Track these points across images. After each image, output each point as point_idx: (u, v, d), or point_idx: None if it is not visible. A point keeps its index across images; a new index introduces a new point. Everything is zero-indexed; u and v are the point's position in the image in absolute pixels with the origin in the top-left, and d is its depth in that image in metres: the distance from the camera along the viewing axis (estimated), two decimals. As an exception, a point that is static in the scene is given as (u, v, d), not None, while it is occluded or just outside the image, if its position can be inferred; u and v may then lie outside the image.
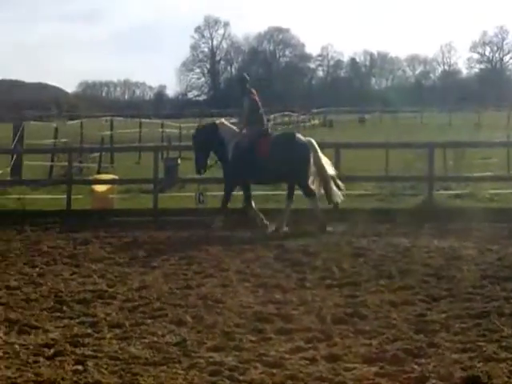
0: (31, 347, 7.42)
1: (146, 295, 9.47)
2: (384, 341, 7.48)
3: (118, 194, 18.24)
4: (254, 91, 14.91)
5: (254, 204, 14.66)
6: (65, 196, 16.73)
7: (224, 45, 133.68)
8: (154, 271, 10.98)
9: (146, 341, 7.58)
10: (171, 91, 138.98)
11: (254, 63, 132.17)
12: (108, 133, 30.77)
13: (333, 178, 14.53)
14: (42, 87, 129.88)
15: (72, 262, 11.73)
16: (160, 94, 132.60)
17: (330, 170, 14.58)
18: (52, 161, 23.55)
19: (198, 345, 7.42)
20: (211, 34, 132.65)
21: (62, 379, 6.45)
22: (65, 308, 8.90)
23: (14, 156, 20.82)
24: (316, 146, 14.51)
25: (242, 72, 16.09)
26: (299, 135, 15.01)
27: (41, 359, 7.04)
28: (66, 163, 18.41)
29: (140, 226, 14.80)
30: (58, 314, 8.67)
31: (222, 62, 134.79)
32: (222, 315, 8.48)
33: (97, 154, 24.70)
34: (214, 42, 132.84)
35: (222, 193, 15.04)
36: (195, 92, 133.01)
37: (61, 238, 13.86)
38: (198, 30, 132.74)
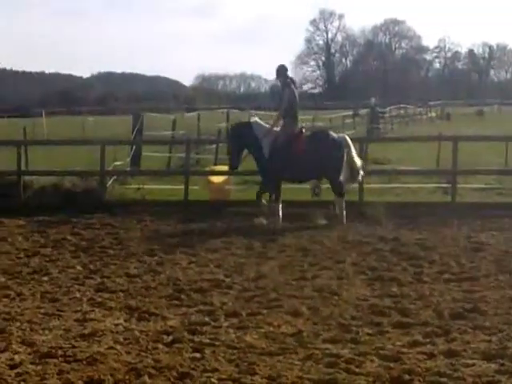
0: (150, 334, 7.57)
1: (262, 285, 9.54)
2: (504, 337, 7.29)
3: (235, 185, 18.39)
4: (294, 82, 14.93)
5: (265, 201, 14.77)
6: (182, 186, 17.00)
7: (339, 37, 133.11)
8: (269, 262, 11.03)
9: (263, 331, 7.62)
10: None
11: (369, 55, 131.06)
12: (224, 124, 31.05)
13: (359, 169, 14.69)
14: (160, 80, 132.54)
15: (189, 251, 11.91)
16: (275, 87, 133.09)
17: (359, 163, 14.76)
18: (170, 152, 23.97)
19: (314, 336, 7.41)
20: (326, 27, 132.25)
21: (180, 366, 6.56)
22: (183, 296, 9.05)
23: (134, 147, 21.27)
24: (350, 143, 14.60)
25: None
26: (332, 132, 15.06)
27: (160, 346, 7.18)
28: (184, 154, 18.68)
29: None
30: (176, 302, 8.82)
31: (336, 55, 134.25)
32: (337, 307, 8.45)
33: (213, 146, 24.92)
34: (329, 35, 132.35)
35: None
36: (310, 85, 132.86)
37: (179, 227, 14.10)
38: (313, 22, 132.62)
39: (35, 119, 43.60)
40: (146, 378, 6.27)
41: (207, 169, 19.97)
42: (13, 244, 12.60)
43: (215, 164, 22.42)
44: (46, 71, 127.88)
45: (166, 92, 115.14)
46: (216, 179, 17.24)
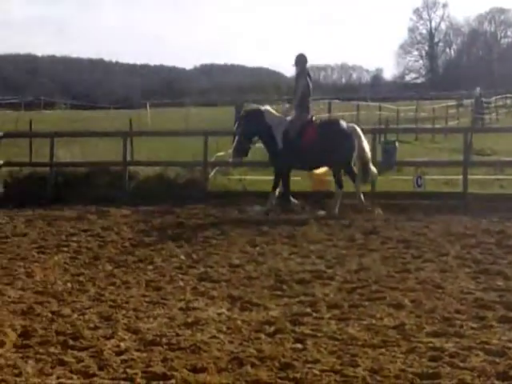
0: (253, 324, 7.62)
1: (363, 277, 9.48)
2: None
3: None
4: (310, 75, 14.87)
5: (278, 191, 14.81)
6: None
7: (443, 26, 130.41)
8: (371, 254, 10.96)
9: (365, 323, 7.57)
10: (388, 74, 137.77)
11: (473, 45, 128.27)
12: (326, 115, 30.92)
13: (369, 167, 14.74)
14: (262, 71, 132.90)
15: (291, 242, 11.95)
16: (377, 77, 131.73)
17: (369, 153, 14.82)
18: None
19: (417, 329, 7.32)
20: (430, 16, 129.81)
21: (283, 356, 6.58)
22: (284, 287, 9.08)
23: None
24: (360, 133, 14.63)
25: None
26: (343, 122, 14.97)
27: (262, 336, 7.22)
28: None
29: (356, 210, 14.80)
30: (278, 293, 8.85)
31: (440, 44, 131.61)
32: (441, 300, 8.33)
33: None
34: (433, 24, 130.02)
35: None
36: (413, 75, 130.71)
37: (280, 218, 14.14)
38: (416, 11, 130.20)
39: (140, 111, 44.37)
40: (248, 367, 6.32)
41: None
42: (118, 233, 12.88)
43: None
44: (151, 63, 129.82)
45: (268, 83, 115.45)
46: (318, 170, 17.19)
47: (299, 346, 6.90)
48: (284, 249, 11.41)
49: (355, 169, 14.67)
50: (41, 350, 6.76)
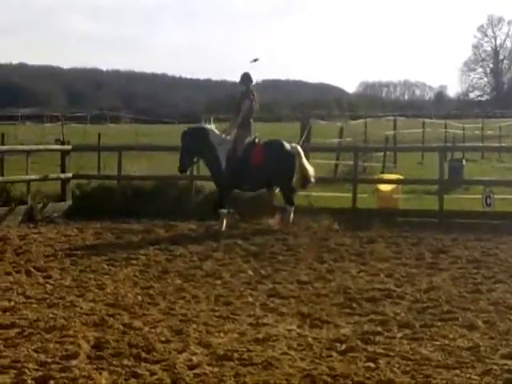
0: (323, 341, 7.58)
1: (434, 297, 9.36)
2: None
3: (403, 194, 18.17)
4: (254, 94, 14.76)
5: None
6: (349, 194, 16.97)
7: (508, 44, 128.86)
8: (441, 273, 10.83)
9: (437, 343, 7.47)
10: (452, 91, 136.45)
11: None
12: (391, 132, 30.80)
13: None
14: (324, 87, 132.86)
15: (359, 259, 11.88)
16: (440, 94, 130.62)
17: (311, 171, 15.23)
18: (337, 159, 23.98)
19: (492, 351, 7.19)
20: (494, 33, 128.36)
21: (355, 375, 6.52)
22: (354, 305, 9.02)
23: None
24: (301, 152, 15.02)
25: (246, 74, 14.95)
26: (285, 142, 15.11)
27: (333, 353, 7.17)
28: (351, 162, 18.65)
29: (425, 227, 14.68)
30: (348, 311, 8.80)
31: (505, 62, 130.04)
32: (515, 322, 8.18)
33: (380, 154, 24.79)
34: (498, 41, 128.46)
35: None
36: (477, 92, 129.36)
37: (347, 235, 14.09)
38: (480, 28, 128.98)
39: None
40: (321, 385, 6.28)
41: (375, 177, 19.85)
42: (186, 247, 12.96)
43: (382, 172, 22.26)
44: (213, 78, 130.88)
45: (329, 99, 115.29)
46: (384, 187, 17.11)
47: (371, 364, 6.84)
48: (352, 266, 11.35)
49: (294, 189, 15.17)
50: (114, 362, 6.81)
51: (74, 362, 6.78)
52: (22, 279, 10.41)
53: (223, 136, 14.85)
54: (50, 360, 6.84)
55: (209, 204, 16.72)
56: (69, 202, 17.38)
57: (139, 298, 9.38)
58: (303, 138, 21.92)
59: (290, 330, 7.96)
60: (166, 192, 17.23)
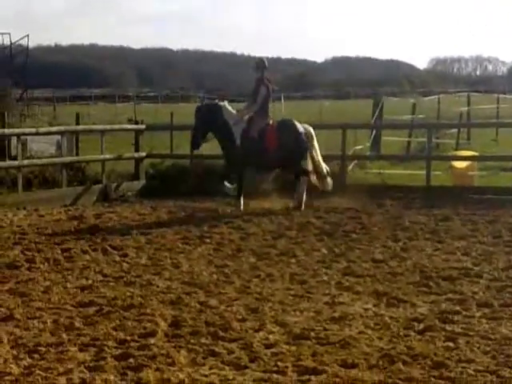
0: (401, 320, 7.49)
1: (513, 275, 9.19)
2: None
3: (478, 171, 17.88)
4: (270, 80, 14.62)
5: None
6: (422, 172, 16.77)
7: None
8: (519, 251, 10.62)
9: (518, 322, 7.33)
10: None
11: None
12: (465, 108, 30.26)
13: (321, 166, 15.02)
14: (394, 64, 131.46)
15: (434, 237, 11.73)
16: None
17: (320, 158, 15.06)
18: (409, 136, 23.70)
19: None
20: None
21: (435, 355, 6.43)
22: (431, 283, 8.90)
23: (374, 131, 21.24)
24: (313, 133, 14.88)
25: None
26: (297, 123, 14.95)
27: (411, 333, 7.08)
28: (423, 139, 18.42)
29: (501, 205, 14.42)
30: (425, 289, 8.68)
31: None
32: None
33: (454, 130, 24.40)
34: None
35: None
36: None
37: (421, 213, 13.93)
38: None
39: (273, 103, 44.59)
40: (400, 364, 6.20)
41: (449, 154, 19.56)
42: (259, 226, 12.97)
43: (456, 149, 21.92)
44: (282, 56, 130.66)
45: (400, 76, 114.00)
46: (459, 164, 16.85)
47: (451, 344, 6.73)
48: (427, 245, 11.21)
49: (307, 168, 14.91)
50: (192, 341, 6.85)
51: (152, 340, 6.84)
52: (98, 258, 10.56)
53: (240, 115, 14.74)
54: (128, 338, 6.92)
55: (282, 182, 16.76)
56: (142, 181, 17.58)
57: (214, 276, 9.43)
58: (376, 115, 21.73)
59: (366, 309, 7.90)
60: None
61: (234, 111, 14.86)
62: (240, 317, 7.61)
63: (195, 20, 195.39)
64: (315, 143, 15.00)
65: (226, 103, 15.10)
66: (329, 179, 15.17)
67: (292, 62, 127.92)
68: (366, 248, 11.04)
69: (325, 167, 15.14)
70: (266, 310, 7.83)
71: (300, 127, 14.88)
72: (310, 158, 14.91)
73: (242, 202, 14.57)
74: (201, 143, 15.08)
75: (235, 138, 14.52)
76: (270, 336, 6.99)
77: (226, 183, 14.69)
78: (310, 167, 14.93)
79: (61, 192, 15.97)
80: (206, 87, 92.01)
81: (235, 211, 14.43)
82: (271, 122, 14.81)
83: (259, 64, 14.79)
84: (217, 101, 15.56)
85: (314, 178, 15.06)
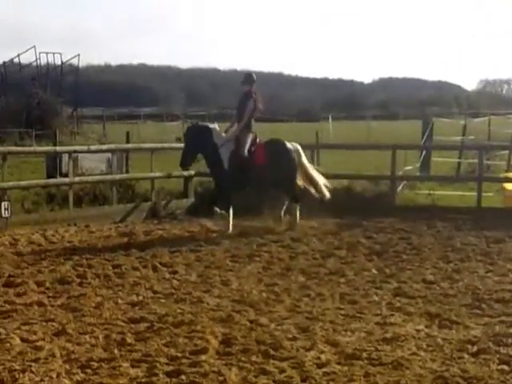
0: (454, 342, 7.38)
1: None
2: None
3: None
4: (257, 95, 14.33)
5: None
6: (472, 193, 16.61)
7: None
8: None
9: None
10: None
11: None
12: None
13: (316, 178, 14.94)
14: (442, 85, 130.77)
15: (486, 259, 11.58)
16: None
17: (314, 171, 15.04)
18: (459, 158, 23.48)
19: None
20: None
21: (489, 377, 6.34)
22: (483, 305, 8.77)
23: (424, 152, 21.09)
24: (301, 151, 14.81)
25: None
26: (286, 141, 14.83)
27: (465, 355, 6.97)
28: (473, 160, 18.25)
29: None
30: (477, 311, 8.56)
31: None
32: None
33: (504, 152, 24.10)
34: None
35: None
36: None
37: (472, 235, 13.76)
38: None
39: (321, 124, 44.60)
40: (454, 387, 6.13)
41: (501, 175, 19.34)
42: (308, 245, 12.94)
43: (507, 170, 21.66)
44: (330, 77, 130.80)
45: (449, 97, 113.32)
46: (511, 186, 16.64)
47: (505, 367, 6.62)
48: (479, 266, 11.07)
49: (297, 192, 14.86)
50: (243, 359, 6.83)
51: (203, 358, 6.83)
52: (148, 274, 10.60)
53: (225, 135, 14.53)
54: (180, 355, 6.92)
55: (330, 202, 16.71)
56: (191, 199, 17.64)
57: (264, 294, 9.40)
58: (426, 136, 21.60)
59: (418, 330, 7.81)
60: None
61: (223, 134, 14.63)
62: (291, 336, 7.57)
63: (242, 39, 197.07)
64: (304, 159, 14.96)
65: (215, 125, 15.02)
66: (325, 189, 15.07)
67: (339, 83, 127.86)
68: (417, 269, 10.94)
69: (322, 180, 15.11)
70: (317, 330, 7.77)
71: (289, 145, 14.82)
72: (304, 174, 14.87)
73: (230, 222, 14.37)
74: (190, 164, 15.01)
75: (223, 160, 14.32)
76: (322, 355, 6.94)
77: (216, 208, 14.49)
78: (301, 183, 14.88)
79: (111, 209, 16.11)
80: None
81: (224, 232, 14.22)
82: (258, 140, 14.65)
83: (248, 78, 14.56)
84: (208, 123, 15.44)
85: (312, 189, 15.01)
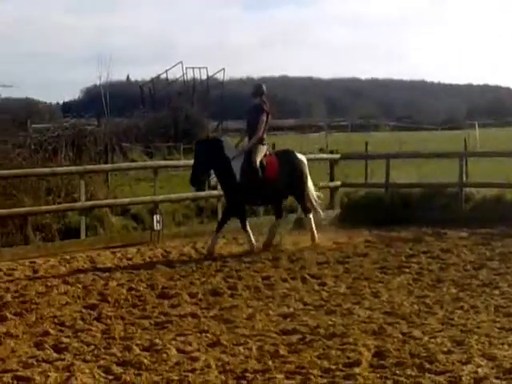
0: None
1: None
2: None
3: None
4: (268, 105, 13.63)
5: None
6: None
7: None
8: None
9: None
10: None
11: None
12: None
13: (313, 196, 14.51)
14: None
15: None
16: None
17: (312, 186, 14.62)
18: None
19: None
20: None
21: None
22: None
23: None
24: (306, 163, 14.42)
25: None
26: (295, 152, 14.56)
27: None
28: None
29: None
30: None
31: None
32: None
33: None
34: None
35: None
36: None
37: None
38: None
39: (467, 131, 43.56)
40: None
41: None
42: (459, 256, 12.68)
43: None
44: (474, 83, 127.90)
45: None
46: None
47: None
48: None
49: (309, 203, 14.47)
50: (397, 372, 6.75)
51: (357, 370, 6.81)
52: (298, 286, 10.66)
53: (240, 150, 13.86)
54: (333, 367, 6.92)
55: (479, 212, 16.37)
56: (337, 210, 17.62)
57: (415, 306, 9.29)
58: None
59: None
60: (434, 199, 17.04)
61: (234, 146, 14.11)
62: (445, 349, 7.43)
63: (382, 48, 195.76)
64: (307, 171, 14.54)
65: (227, 138, 14.68)
66: (319, 208, 14.73)
67: (484, 89, 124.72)
68: None
69: (316, 198, 14.67)
70: (473, 343, 7.60)
71: (299, 155, 14.49)
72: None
73: (251, 237, 13.92)
74: (202, 182, 13.98)
75: (235, 174, 13.68)
76: (479, 370, 6.77)
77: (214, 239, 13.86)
78: (311, 194, 14.53)
79: (259, 220, 16.25)
80: (395, 115, 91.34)
81: (249, 248, 13.88)
82: (269, 152, 14.14)
83: (258, 89, 13.95)
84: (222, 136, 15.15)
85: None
